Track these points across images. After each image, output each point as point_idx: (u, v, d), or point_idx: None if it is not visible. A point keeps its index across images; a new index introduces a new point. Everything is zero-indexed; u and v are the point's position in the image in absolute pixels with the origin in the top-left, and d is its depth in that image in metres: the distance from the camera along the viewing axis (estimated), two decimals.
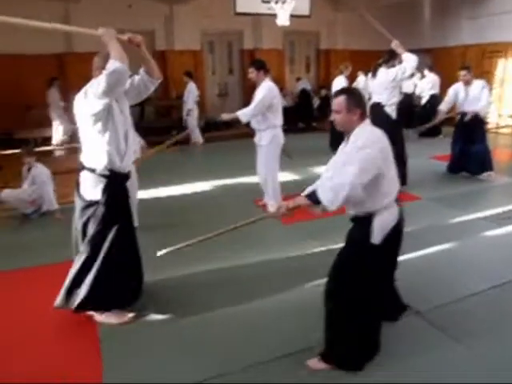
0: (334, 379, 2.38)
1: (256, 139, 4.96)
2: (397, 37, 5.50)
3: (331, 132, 7.81)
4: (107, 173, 2.80)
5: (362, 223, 2.34)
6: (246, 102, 7.63)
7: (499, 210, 4.97)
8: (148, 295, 3.21)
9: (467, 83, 5.98)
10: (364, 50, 12.18)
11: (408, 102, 9.85)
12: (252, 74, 4.73)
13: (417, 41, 11.22)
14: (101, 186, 2.79)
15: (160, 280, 3.46)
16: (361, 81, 9.18)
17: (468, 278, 3.45)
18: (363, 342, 2.44)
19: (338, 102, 2.33)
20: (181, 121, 9.49)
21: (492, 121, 10.55)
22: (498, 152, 7.62)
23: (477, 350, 2.59)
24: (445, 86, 8.13)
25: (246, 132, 6.48)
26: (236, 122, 5.29)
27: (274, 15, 9.09)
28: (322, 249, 4.02)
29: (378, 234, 2.28)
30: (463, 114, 6.12)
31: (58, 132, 9.29)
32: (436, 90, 9.79)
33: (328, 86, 10.31)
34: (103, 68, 2.59)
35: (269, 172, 4.93)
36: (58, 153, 8.68)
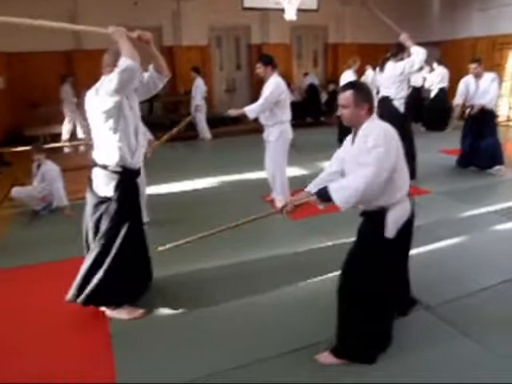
0: (346, 373, 2.38)
1: (264, 135, 4.95)
2: (405, 30, 5.44)
3: (339, 127, 7.78)
4: (119, 169, 2.82)
5: (375, 218, 2.33)
6: (254, 97, 7.62)
7: (510, 203, 4.94)
8: (156, 290, 3.24)
9: (477, 76, 5.92)
10: (372, 44, 12.05)
11: (416, 96, 9.77)
12: (260, 69, 4.72)
13: (425, 33, 11.07)
14: (113, 183, 2.82)
15: (169, 276, 3.47)
16: (369, 75, 9.10)
17: (478, 273, 3.43)
18: (377, 336, 2.44)
19: (345, 97, 2.29)
20: (188, 116, 9.47)
21: (503, 114, 10.43)
22: (509, 145, 7.53)
23: (487, 344, 2.58)
24: (454, 79, 8.05)
25: (254, 127, 6.46)
26: (244, 118, 5.28)
27: (282, 10, 9.02)
28: (330, 244, 4.02)
29: (391, 229, 2.28)
30: (472, 107, 6.07)
31: (66, 128, 9.33)
32: (445, 84, 9.69)
33: (336, 81, 10.25)
34: (113, 65, 2.61)
35: (277, 167, 4.93)
36: (66, 150, 8.73)
